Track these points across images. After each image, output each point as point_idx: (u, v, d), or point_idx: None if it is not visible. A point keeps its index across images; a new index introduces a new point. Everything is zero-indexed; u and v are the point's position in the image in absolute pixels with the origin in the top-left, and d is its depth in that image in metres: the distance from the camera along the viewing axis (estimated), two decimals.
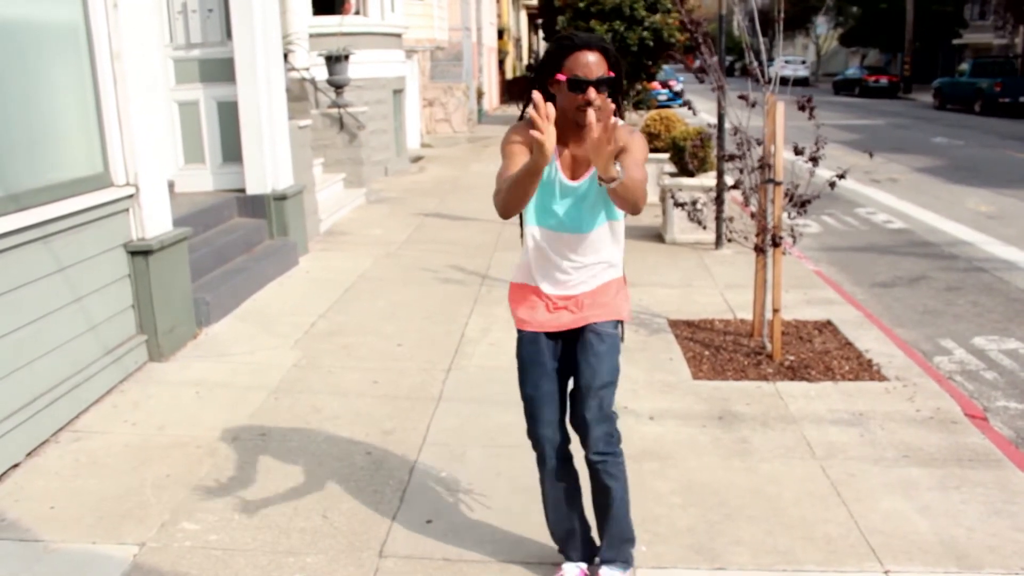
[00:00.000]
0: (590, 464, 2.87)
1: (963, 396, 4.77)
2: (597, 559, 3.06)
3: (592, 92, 2.54)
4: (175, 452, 4.04)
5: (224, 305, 6.06)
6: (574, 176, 2.76)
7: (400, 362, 5.24)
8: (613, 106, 2.35)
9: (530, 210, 2.81)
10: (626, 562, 3.04)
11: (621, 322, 2.91)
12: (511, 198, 2.54)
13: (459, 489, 3.71)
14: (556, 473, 2.97)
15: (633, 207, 2.55)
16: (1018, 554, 3.22)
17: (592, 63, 2.55)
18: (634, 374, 5.00)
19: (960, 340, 6.08)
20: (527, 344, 2.92)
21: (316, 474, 3.83)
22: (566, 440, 2.96)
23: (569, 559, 3.09)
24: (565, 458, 2.98)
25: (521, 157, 2.63)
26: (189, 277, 5.61)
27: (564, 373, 2.93)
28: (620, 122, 2.66)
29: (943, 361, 5.68)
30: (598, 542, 3.07)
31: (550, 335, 2.89)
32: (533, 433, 2.94)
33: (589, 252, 2.82)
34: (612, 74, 2.58)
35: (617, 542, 3.01)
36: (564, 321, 2.86)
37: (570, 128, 2.67)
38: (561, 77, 2.57)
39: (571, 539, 3.07)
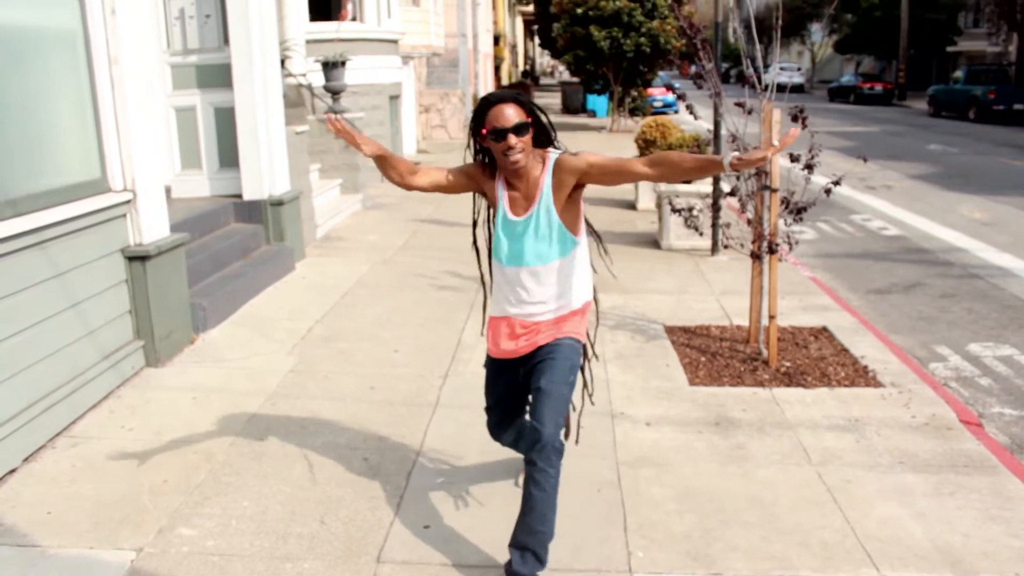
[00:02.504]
0: (525, 462, 3.03)
1: (958, 402, 4.79)
2: (506, 567, 3.07)
3: (512, 138, 2.88)
4: (172, 457, 4.04)
5: (221, 311, 6.06)
6: (524, 211, 3.03)
7: (397, 368, 5.25)
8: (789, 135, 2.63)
9: (494, 244, 3.15)
10: (539, 561, 3.04)
11: (578, 339, 3.14)
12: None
13: (456, 494, 3.72)
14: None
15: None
16: (1013, 560, 3.24)
17: (508, 114, 2.88)
18: (630, 380, 5.02)
19: (955, 347, 6.11)
20: (488, 366, 3.34)
21: (313, 480, 3.84)
22: (515, 428, 3.40)
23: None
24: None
25: (454, 177, 3.11)
26: (186, 282, 5.61)
27: (521, 389, 3.26)
28: (556, 153, 3.01)
29: (938, 367, 5.71)
30: None
31: (508, 361, 3.21)
32: (487, 416, 3.44)
33: (544, 285, 3.08)
34: (529, 119, 2.92)
35: (528, 556, 3.02)
36: (521, 347, 3.14)
37: (508, 171, 2.99)
38: (484, 131, 2.94)
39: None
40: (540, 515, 2.98)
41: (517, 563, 3.02)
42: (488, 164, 3.11)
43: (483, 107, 2.95)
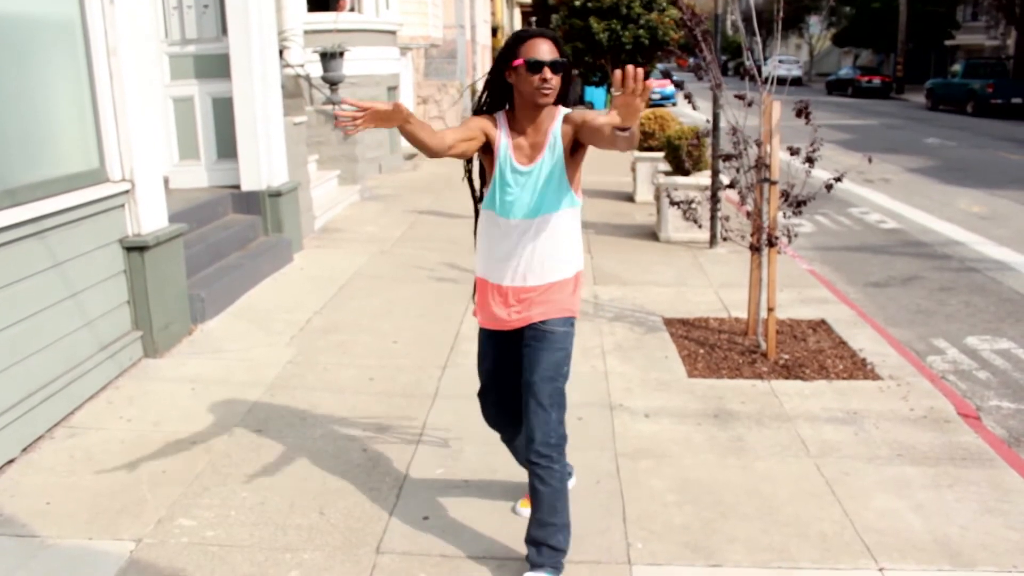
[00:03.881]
0: (526, 461, 3.00)
1: (956, 395, 4.80)
2: (527, 562, 3.05)
3: (547, 71, 2.79)
4: (171, 448, 4.04)
5: (219, 302, 6.05)
6: (530, 160, 2.93)
7: (396, 359, 5.25)
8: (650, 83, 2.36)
9: (491, 196, 2.98)
10: (555, 568, 3.02)
11: (572, 319, 3.02)
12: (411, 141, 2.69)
13: (456, 486, 3.72)
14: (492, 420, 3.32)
15: (632, 142, 2.66)
16: (1011, 552, 3.25)
17: (544, 49, 2.80)
18: (629, 372, 5.02)
19: (953, 340, 6.11)
20: (480, 336, 3.20)
21: (313, 471, 3.84)
22: (514, 422, 3.22)
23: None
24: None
25: (468, 130, 2.88)
26: (184, 273, 5.60)
27: (514, 362, 3.09)
28: (566, 110, 2.94)
29: (936, 360, 5.72)
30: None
31: (500, 331, 3.08)
32: (480, 402, 3.30)
33: (540, 239, 2.96)
34: (564, 59, 2.82)
35: (544, 549, 3.01)
36: (512, 320, 3.02)
37: (527, 113, 2.90)
38: (518, 62, 2.81)
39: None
40: (550, 508, 2.97)
41: (534, 556, 3.01)
42: (488, 111, 2.98)
43: (517, 40, 2.84)
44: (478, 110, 3.01)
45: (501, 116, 2.98)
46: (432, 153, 2.75)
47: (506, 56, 2.86)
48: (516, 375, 3.09)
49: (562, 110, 2.95)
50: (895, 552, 3.24)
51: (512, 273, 3.00)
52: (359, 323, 5.94)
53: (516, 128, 2.95)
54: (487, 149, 2.97)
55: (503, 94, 2.97)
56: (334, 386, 4.81)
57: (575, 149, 2.94)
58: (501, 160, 2.94)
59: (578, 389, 4.38)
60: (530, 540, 3.03)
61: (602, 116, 2.71)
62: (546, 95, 2.82)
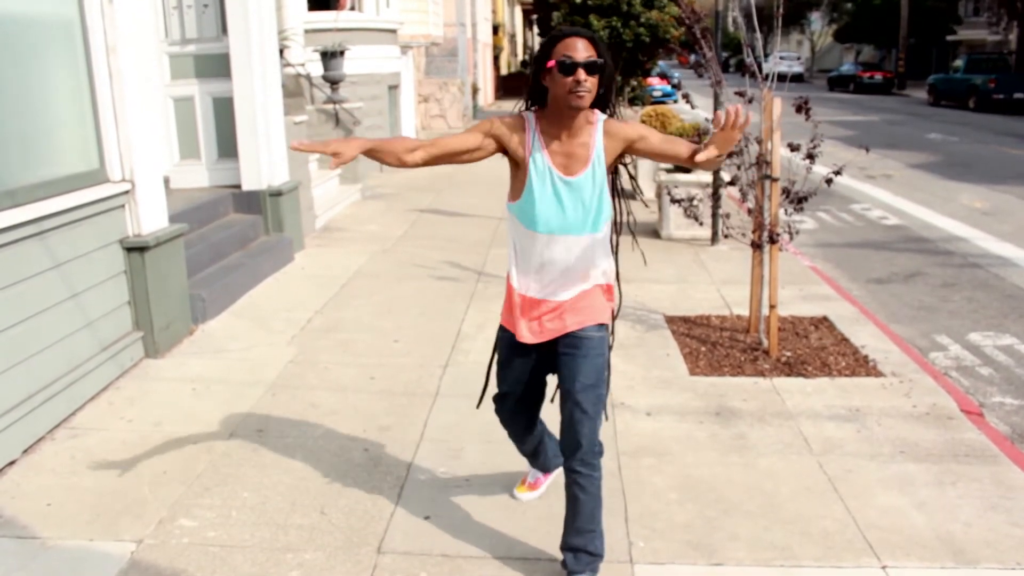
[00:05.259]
0: (565, 469, 2.93)
1: (959, 392, 4.78)
2: (564, 568, 3.03)
3: (581, 72, 2.61)
4: (172, 449, 4.03)
5: (220, 301, 6.05)
6: (569, 171, 2.76)
7: (397, 358, 5.24)
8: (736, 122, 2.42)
9: (523, 208, 2.80)
10: (592, 573, 3.01)
11: (606, 325, 2.92)
12: (379, 157, 2.70)
13: (457, 485, 3.71)
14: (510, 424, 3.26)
15: (720, 163, 2.68)
16: (1014, 549, 3.24)
17: (579, 48, 2.63)
18: (631, 370, 5.01)
19: (956, 336, 6.10)
20: (503, 347, 3.08)
21: (314, 470, 3.83)
22: (527, 425, 3.24)
23: (535, 468, 3.50)
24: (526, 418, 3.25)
25: (470, 138, 2.76)
26: (185, 273, 5.59)
27: (542, 370, 3.05)
28: (603, 116, 2.77)
29: (939, 357, 5.70)
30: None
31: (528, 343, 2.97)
32: (496, 404, 3.23)
33: (581, 255, 2.82)
34: (600, 59, 2.64)
35: (582, 556, 2.98)
36: (547, 331, 2.91)
37: (561, 118, 2.72)
38: (551, 63, 2.65)
39: (536, 457, 3.41)
40: (589, 516, 2.93)
41: (572, 563, 2.98)
42: (521, 115, 2.80)
43: (553, 40, 2.67)
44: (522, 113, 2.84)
45: (531, 117, 2.79)
46: (403, 167, 2.75)
47: (541, 58, 2.70)
48: (537, 381, 3.06)
49: (599, 116, 2.77)
50: (898, 549, 3.23)
51: (550, 287, 2.87)
52: (360, 322, 5.94)
53: (549, 132, 2.75)
54: (505, 153, 2.81)
55: (543, 100, 2.78)
56: (335, 385, 4.81)
57: (616, 158, 2.81)
58: (539, 168, 2.75)
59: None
60: (568, 547, 2.99)
61: (681, 143, 2.68)
62: (581, 98, 2.62)
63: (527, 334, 2.93)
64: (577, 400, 2.82)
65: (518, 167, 2.80)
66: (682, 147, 2.68)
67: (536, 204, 2.76)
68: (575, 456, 2.85)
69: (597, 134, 2.75)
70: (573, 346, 2.85)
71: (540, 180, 2.75)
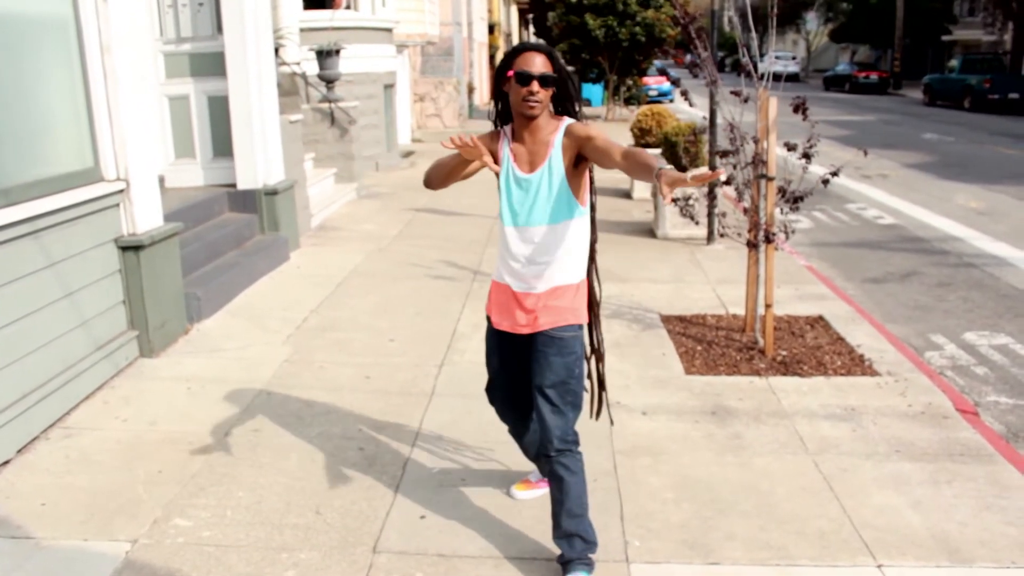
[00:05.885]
0: (547, 459, 3.02)
1: (954, 391, 4.79)
2: (559, 560, 3.05)
3: (535, 84, 2.86)
4: (167, 448, 4.02)
5: (215, 300, 6.03)
6: (530, 168, 2.98)
7: (392, 357, 5.23)
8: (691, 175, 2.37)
9: (500, 204, 3.05)
10: (587, 564, 3.02)
11: (581, 325, 3.06)
12: (435, 174, 3.07)
13: (453, 484, 3.71)
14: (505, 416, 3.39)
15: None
16: (1009, 548, 3.24)
17: (537, 63, 2.88)
18: (626, 369, 5.01)
19: (951, 335, 6.11)
20: (488, 334, 3.26)
21: (309, 470, 3.82)
22: (521, 416, 3.33)
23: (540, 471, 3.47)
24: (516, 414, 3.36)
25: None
26: (180, 272, 5.58)
27: (523, 362, 3.14)
28: (570, 121, 2.99)
29: (934, 356, 5.71)
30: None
31: (508, 332, 3.12)
32: (488, 393, 3.37)
33: (543, 248, 3.00)
34: (555, 74, 2.90)
35: (576, 541, 3.00)
36: (522, 327, 3.05)
37: (520, 122, 2.98)
38: (510, 73, 2.91)
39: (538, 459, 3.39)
40: (577, 497, 2.99)
41: (567, 550, 3.01)
42: (502, 123, 3.09)
43: (513, 52, 2.95)
44: (494, 122, 3.12)
45: (508, 127, 3.07)
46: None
47: (503, 68, 2.96)
48: (523, 373, 3.15)
49: (566, 121, 2.99)
50: (893, 549, 3.24)
51: (519, 278, 3.04)
52: (356, 321, 5.93)
53: (517, 138, 3.02)
54: (496, 162, 3.04)
55: (507, 105, 3.04)
56: (331, 385, 4.80)
57: (578, 162, 2.96)
58: (504, 168, 3.02)
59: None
60: (562, 535, 3.02)
61: (615, 147, 2.75)
62: (532, 107, 2.89)
63: (500, 320, 3.13)
64: (547, 396, 2.99)
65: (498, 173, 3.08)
66: (615, 150, 2.78)
67: (502, 199, 3.04)
68: (549, 445, 2.98)
69: (558, 135, 2.96)
70: (546, 344, 3.00)
71: (504, 177, 3.02)
